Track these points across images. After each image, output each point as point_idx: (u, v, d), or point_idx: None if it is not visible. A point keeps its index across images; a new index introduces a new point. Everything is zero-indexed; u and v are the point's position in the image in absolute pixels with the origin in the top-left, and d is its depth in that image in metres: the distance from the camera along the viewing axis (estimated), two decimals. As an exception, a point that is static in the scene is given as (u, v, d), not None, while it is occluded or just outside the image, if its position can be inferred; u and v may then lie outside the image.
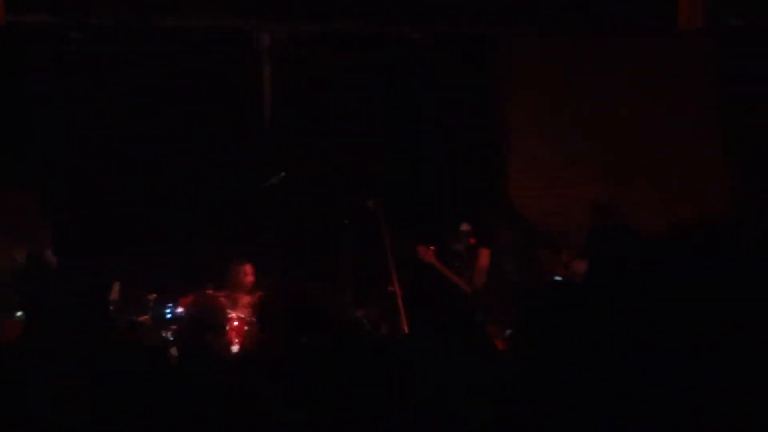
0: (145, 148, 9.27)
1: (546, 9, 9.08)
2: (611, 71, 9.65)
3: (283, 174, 8.97)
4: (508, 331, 7.34)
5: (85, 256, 8.44)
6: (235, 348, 7.28)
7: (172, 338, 7.14)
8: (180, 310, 7.89)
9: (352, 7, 8.98)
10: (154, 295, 8.15)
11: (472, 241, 8.78)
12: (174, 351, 5.58)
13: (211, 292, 8.14)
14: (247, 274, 8.52)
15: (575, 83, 9.65)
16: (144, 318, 7.91)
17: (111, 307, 7.45)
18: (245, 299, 8.35)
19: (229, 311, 7.90)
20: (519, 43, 9.65)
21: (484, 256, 8.81)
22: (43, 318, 3.55)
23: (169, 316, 7.92)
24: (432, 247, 8.76)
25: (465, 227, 8.78)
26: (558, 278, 8.10)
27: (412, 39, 9.31)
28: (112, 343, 3.57)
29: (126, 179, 9.23)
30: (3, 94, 9.05)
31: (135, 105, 9.23)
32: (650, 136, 9.63)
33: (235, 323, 7.95)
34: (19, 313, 6.98)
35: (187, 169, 9.35)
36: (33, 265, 7.89)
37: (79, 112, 9.21)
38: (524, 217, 9.51)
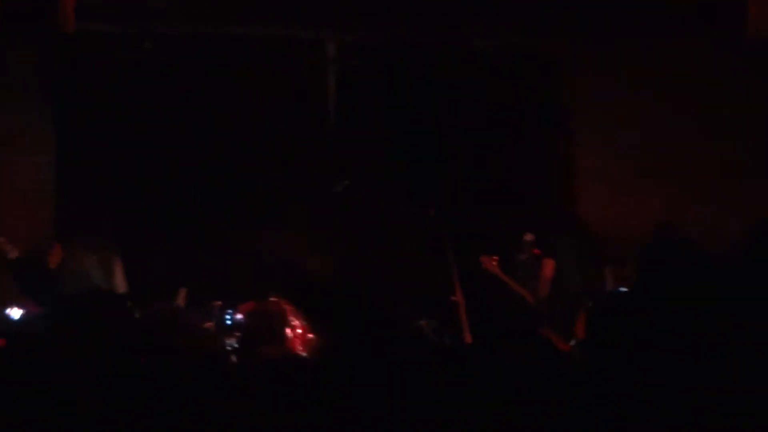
0: (210, 154, 9.36)
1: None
2: (682, 79, 9.51)
3: (347, 182, 9.00)
4: (572, 342, 7.26)
5: (152, 259, 8.56)
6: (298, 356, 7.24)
7: (233, 346, 7.15)
8: (239, 317, 7.92)
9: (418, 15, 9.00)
10: (219, 302, 8.19)
11: (536, 251, 8.74)
12: (234, 358, 5.60)
13: (274, 298, 8.14)
14: None
15: (639, 92, 9.53)
16: (208, 324, 7.94)
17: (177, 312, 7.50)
18: None
19: (292, 319, 7.87)
20: (584, 53, 9.57)
21: (549, 267, 8.75)
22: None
23: (228, 323, 7.95)
24: (495, 257, 8.73)
25: (529, 237, 8.74)
26: (623, 289, 8.01)
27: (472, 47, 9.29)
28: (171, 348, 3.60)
29: (192, 186, 9.32)
30: (72, 102, 9.20)
31: (202, 112, 9.32)
32: (719, 146, 9.47)
33: (299, 331, 7.91)
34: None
35: (255, 176, 9.42)
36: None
37: (148, 120, 9.32)
38: (589, 227, 9.42)
